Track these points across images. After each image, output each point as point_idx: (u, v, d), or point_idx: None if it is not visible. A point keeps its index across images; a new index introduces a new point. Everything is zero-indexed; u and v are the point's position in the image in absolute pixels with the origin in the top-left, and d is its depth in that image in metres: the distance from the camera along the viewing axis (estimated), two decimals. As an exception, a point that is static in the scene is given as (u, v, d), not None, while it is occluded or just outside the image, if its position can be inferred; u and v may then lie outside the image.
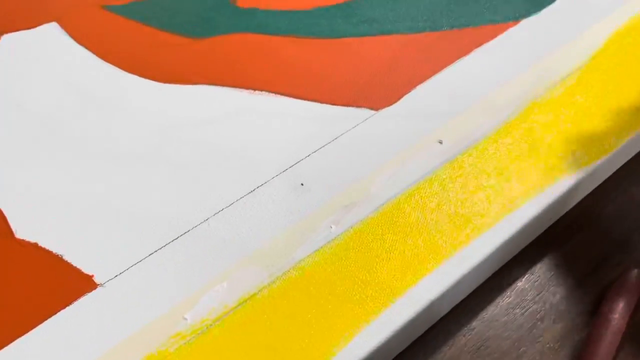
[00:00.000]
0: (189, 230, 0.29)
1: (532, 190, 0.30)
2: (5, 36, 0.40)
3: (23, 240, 0.29)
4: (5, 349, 0.25)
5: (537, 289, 0.31)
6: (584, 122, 0.32)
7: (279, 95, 0.35)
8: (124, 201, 0.30)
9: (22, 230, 0.30)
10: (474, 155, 0.31)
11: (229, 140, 0.33)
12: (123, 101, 0.35)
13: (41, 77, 0.37)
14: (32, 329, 0.26)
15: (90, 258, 0.28)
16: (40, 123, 0.34)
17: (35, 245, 0.29)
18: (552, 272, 0.31)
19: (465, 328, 0.29)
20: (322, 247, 0.28)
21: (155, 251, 0.28)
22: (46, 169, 0.32)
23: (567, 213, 0.33)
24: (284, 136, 0.33)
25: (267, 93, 0.35)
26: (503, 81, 0.35)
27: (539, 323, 0.30)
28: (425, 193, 0.30)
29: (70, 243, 0.29)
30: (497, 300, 0.30)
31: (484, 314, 0.30)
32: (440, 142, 0.32)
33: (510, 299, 0.30)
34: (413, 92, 0.34)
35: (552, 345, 0.29)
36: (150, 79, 0.36)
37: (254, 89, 0.35)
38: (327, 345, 0.25)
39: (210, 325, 0.26)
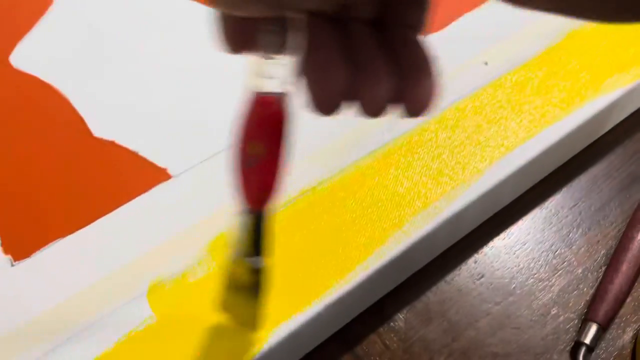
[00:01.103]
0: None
1: (572, 106, 0.32)
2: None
3: (101, 138, 0.32)
4: (92, 224, 0.28)
5: (574, 200, 0.33)
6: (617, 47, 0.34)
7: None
8: (195, 106, 0.33)
9: (99, 130, 0.32)
10: (518, 75, 0.33)
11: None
12: (190, 21, 0.37)
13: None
14: (114, 209, 0.29)
15: (163, 154, 0.31)
16: (112, 40, 0.37)
17: (112, 142, 0.32)
18: (590, 185, 0.33)
19: (504, 233, 0.32)
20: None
21: (223, 150, 0.31)
22: (120, 80, 0.35)
23: (608, 131, 0.35)
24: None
25: None
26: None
27: (573, 230, 0.32)
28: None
29: (144, 141, 0.32)
30: (534, 212, 0.33)
31: (521, 223, 0.32)
32: (486, 63, 0.34)
33: (548, 210, 0.33)
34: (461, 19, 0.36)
35: (586, 248, 0.31)
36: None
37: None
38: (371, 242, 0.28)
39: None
